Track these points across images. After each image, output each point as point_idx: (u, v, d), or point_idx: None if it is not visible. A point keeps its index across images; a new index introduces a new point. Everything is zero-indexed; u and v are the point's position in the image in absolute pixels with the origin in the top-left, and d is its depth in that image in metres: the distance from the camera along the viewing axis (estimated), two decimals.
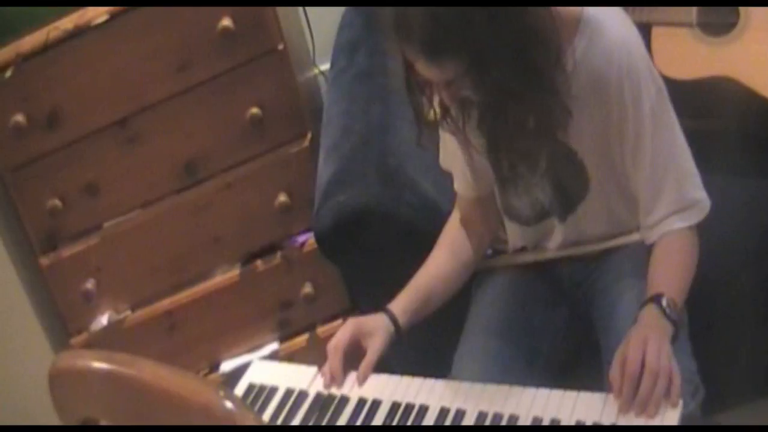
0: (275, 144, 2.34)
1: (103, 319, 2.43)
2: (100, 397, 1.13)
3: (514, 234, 1.81)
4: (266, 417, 1.60)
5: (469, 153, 1.69)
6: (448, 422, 1.49)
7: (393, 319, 1.67)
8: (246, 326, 2.47)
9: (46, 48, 2.19)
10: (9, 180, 2.33)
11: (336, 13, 2.52)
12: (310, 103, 2.46)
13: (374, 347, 1.64)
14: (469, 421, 1.48)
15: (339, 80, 2.31)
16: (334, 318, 2.45)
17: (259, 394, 1.66)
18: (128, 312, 2.45)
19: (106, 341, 2.41)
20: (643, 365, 1.41)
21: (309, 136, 2.34)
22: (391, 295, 1.71)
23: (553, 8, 1.50)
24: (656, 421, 1.37)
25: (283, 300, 2.44)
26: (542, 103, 1.49)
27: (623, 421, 1.39)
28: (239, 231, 2.41)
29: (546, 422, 1.43)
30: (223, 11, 2.20)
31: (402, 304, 1.70)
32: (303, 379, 1.66)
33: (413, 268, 1.75)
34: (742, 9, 2.00)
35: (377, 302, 1.71)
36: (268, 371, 1.73)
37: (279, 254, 2.41)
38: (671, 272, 1.58)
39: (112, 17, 2.19)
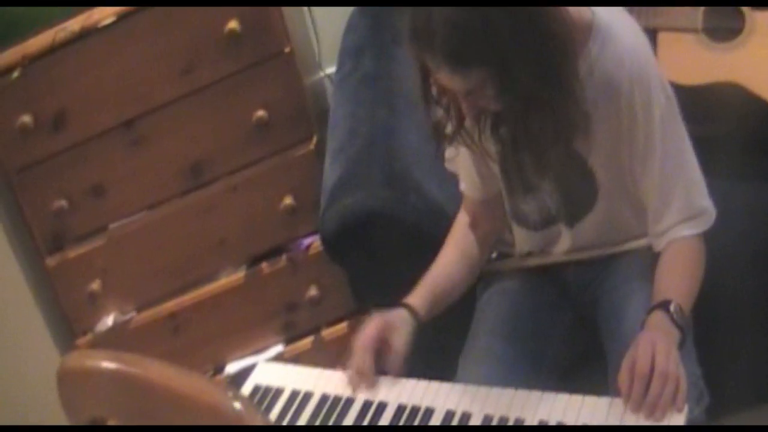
0: (281, 147, 2.34)
1: (109, 320, 2.43)
2: (108, 396, 1.13)
3: (522, 239, 1.80)
4: (272, 418, 1.60)
5: (482, 161, 1.68)
6: (453, 425, 1.49)
7: (413, 313, 1.67)
8: (251, 328, 2.47)
9: (52, 49, 2.20)
10: (15, 181, 2.33)
11: (342, 16, 2.52)
12: (315, 106, 2.46)
13: (402, 340, 1.63)
14: (474, 423, 1.48)
15: (345, 83, 2.31)
16: (339, 320, 2.45)
17: (265, 395, 1.66)
18: (133, 313, 2.45)
19: (111, 342, 2.41)
20: (652, 368, 1.40)
21: (315, 139, 2.35)
22: (397, 297, 1.71)
23: (567, 14, 1.48)
24: None
25: (289, 302, 2.44)
26: (563, 109, 1.47)
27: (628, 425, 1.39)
28: (245, 233, 2.41)
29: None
30: (230, 14, 2.20)
31: (418, 299, 1.69)
32: (309, 380, 1.66)
33: (419, 270, 1.75)
34: (747, 15, 2.00)
35: (383, 305, 1.71)
36: (274, 373, 1.73)
37: (284, 256, 2.41)
38: (679, 279, 1.59)
39: (119, 19, 2.20)
